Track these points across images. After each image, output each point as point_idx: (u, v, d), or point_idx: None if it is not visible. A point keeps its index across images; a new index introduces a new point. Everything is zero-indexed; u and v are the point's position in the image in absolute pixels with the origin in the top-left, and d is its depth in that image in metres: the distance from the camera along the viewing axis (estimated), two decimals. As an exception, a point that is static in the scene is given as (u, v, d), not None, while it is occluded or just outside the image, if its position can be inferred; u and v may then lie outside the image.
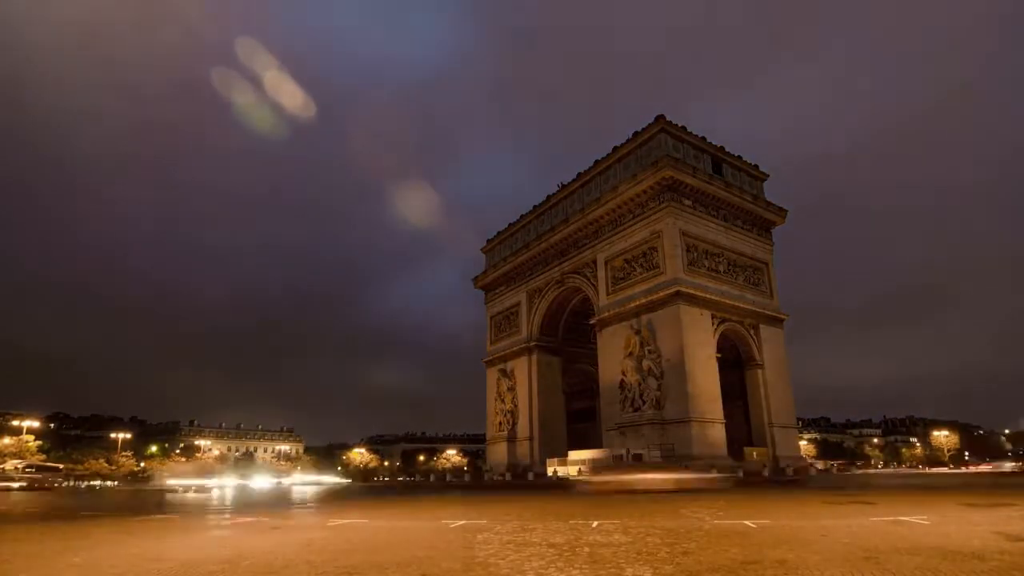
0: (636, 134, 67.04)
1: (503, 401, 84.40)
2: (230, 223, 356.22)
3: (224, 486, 65.97)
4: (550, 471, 62.55)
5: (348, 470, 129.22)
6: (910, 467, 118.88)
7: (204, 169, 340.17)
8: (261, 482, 76.98)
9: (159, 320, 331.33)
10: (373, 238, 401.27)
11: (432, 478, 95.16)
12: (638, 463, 53.75)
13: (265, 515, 19.50)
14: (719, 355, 60.73)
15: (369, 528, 14.00)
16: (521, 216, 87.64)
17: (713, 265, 63.32)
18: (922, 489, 29.36)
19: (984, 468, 78.09)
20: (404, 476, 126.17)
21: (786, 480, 50.85)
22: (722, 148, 69.03)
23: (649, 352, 59.65)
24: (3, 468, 55.63)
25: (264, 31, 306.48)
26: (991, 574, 6.81)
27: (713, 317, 60.77)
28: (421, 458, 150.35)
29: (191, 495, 42.81)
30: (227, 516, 19.74)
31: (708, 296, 60.59)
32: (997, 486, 30.49)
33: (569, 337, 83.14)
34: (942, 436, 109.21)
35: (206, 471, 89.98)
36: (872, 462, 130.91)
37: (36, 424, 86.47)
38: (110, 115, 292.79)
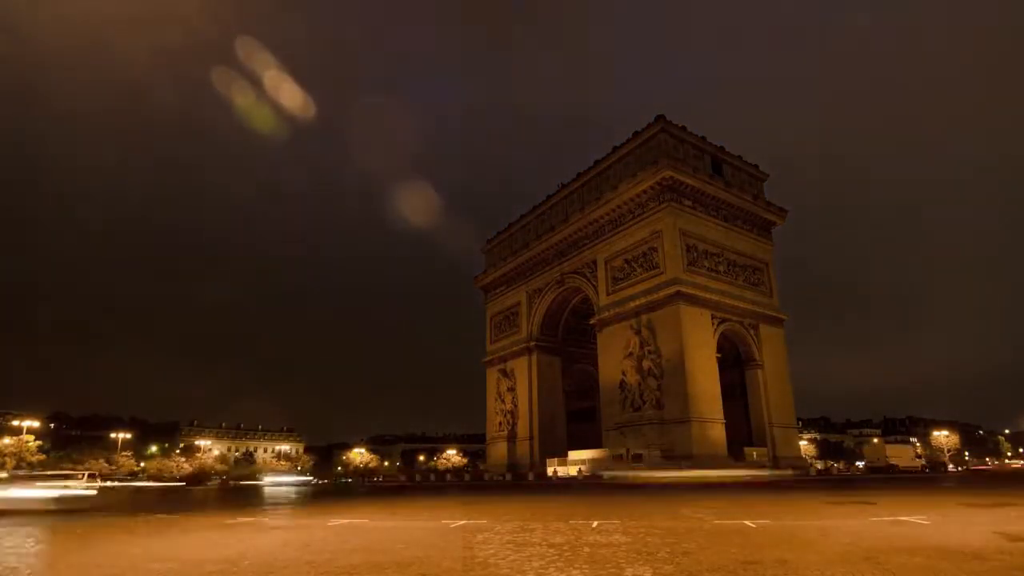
0: (636, 134, 67.02)
1: (503, 401, 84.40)
2: (230, 218, 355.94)
3: None
4: (550, 471, 62.56)
5: (347, 471, 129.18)
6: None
7: (200, 168, 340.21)
8: None
9: (158, 319, 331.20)
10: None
11: (433, 477, 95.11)
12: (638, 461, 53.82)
13: (265, 515, 19.51)
14: (719, 355, 60.74)
15: (369, 528, 13.99)
16: (521, 216, 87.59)
17: (713, 265, 63.30)
18: (922, 489, 29.37)
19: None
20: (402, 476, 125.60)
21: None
22: (722, 148, 69.02)
23: (649, 352, 59.62)
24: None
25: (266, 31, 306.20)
26: (991, 574, 6.81)
27: (713, 317, 60.75)
28: (421, 458, 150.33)
29: None
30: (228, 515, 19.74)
31: (708, 296, 60.57)
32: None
33: (569, 337, 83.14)
34: (942, 436, 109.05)
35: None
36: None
37: (36, 424, 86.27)
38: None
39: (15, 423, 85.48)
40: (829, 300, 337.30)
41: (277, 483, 79.07)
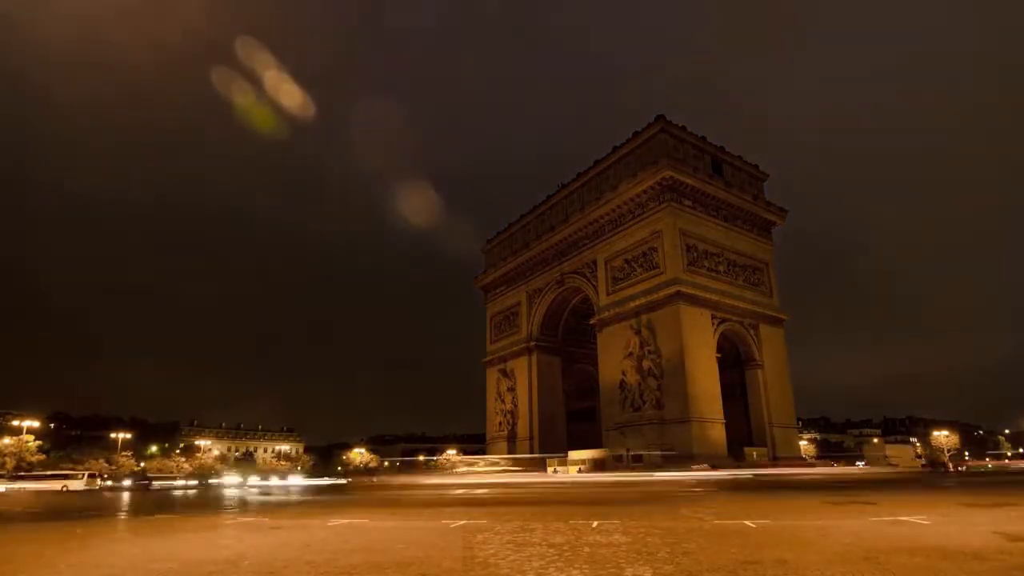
0: (636, 134, 66.99)
1: (503, 401, 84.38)
2: (229, 218, 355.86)
3: None
4: (550, 470, 62.55)
5: (348, 470, 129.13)
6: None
7: (197, 167, 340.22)
8: None
9: (158, 319, 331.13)
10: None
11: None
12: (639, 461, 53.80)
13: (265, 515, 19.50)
14: (719, 355, 60.73)
15: (369, 528, 13.98)
16: (521, 216, 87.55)
17: (713, 265, 63.30)
18: (922, 489, 29.36)
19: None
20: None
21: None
22: (722, 148, 69.01)
23: (649, 352, 59.62)
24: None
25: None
26: (991, 574, 6.80)
27: (713, 317, 60.75)
28: (421, 458, 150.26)
29: None
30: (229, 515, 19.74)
31: (708, 296, 60.56)
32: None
33: (569, 337, 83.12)
34: (942, 436, 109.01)
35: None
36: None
37: (36, 424, 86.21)
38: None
39: (15, 423, 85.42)
40: (829, 300, 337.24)
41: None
